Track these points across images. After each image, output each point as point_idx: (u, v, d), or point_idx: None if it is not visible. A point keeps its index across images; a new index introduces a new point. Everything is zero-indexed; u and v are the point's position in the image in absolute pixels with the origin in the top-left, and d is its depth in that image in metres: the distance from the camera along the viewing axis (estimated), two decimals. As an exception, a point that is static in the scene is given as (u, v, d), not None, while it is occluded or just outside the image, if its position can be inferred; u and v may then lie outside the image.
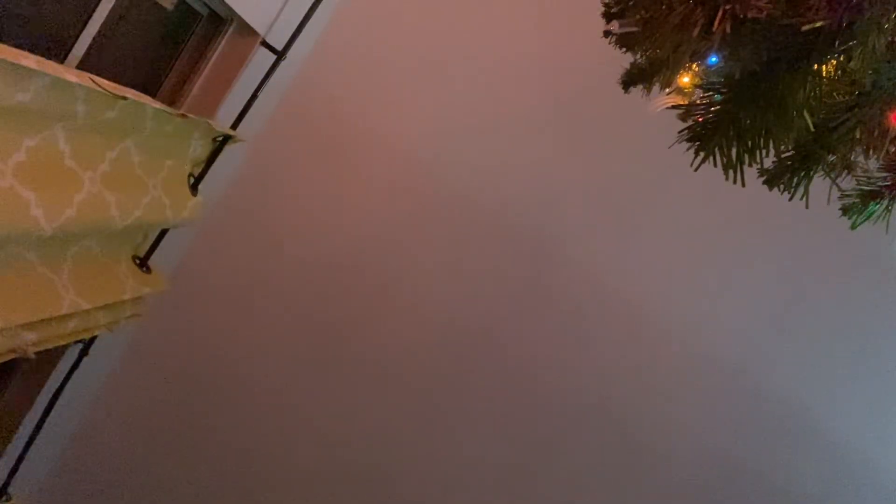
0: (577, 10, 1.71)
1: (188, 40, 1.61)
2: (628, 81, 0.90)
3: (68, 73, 0.97)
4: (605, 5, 0.87)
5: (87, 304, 1.27)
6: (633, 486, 1.71)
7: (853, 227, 0.59)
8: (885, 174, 0.58)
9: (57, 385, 1.68)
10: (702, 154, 0.57)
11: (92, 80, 1.03)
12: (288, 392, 1.86)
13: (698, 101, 0.63)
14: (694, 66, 0.85)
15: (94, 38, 1.29)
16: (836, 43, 0.50)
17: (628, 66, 0.90)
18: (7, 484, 1.74)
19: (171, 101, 1.63)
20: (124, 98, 1.09)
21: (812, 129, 0.57)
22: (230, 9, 1.46)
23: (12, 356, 1.20)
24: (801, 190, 0.62)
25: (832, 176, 0.64)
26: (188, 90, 1.63)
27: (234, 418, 1.84)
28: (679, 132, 0.60)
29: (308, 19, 1.63)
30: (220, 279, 1.89)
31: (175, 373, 1.89)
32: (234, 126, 1.62)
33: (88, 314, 1.35)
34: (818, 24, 0.49)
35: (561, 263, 1.76)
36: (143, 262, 1.57)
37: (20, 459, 1.71)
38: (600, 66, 1.12)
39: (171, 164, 1.45)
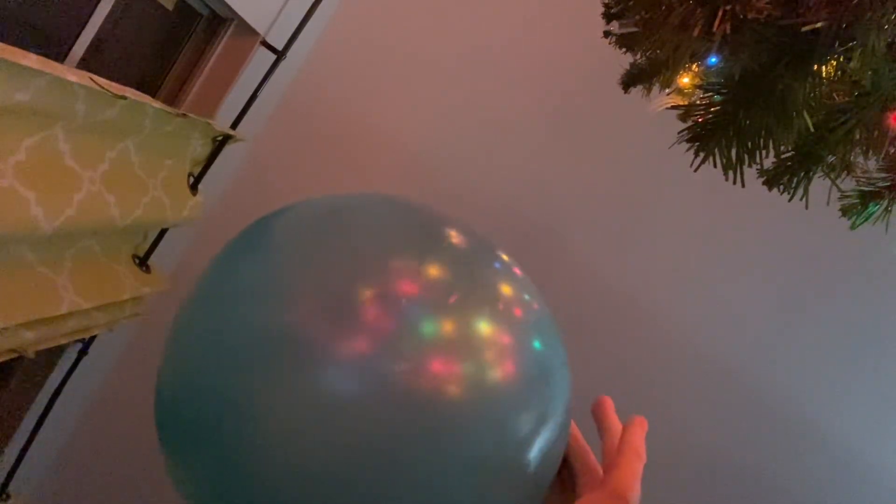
0: (577, 11, 1.71)
1: (188, 40, 1.61)
2: (628, 82, 0.90)
3: (68, 73, 0.97)
4: (605, 6, 0.87)
5: (87, 304, 1.27)
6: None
7: (853, 227, 0.59)
8: (884, 175, 0.58)
9: (56, 384, 1.68)
10: (702, 154, 0.57)
11: (92, 79, 1.03)
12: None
13: (698, 102, 0.63)
14: (694, 66, 0.85)
15: (94, 38, 1.29)
16: (836, 44, 0.50)
17: (628, 67, 0.91)
18: (6, 483, 1.74)
19: (171, 101, 1.63)
20: (124, 97, 1.09)
21: (812, 130, 0.57)
22: (230, 9, 1.46)
23: (12, 355, 1.20)
24: (800, 190, 0.63)
25: (832, 176, 0.64)
26: (188, 90, 1.63)
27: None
28: (679, 132, 0.60)
29: (308, 19, 1.63)
30: (219, 279, 1.89)
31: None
32: (234, 125, 1.62)
33: (88, 314, 1.35)
34: (818, 25, 0.49)
35: (562, 261, 1.77)
36: (142, 262, 1.57)
37: (20, 458, 1.71)
38: (600, 66, 1.12)
39: (171, 163, 1.45)
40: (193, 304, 0.52)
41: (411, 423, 0.42)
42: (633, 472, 0.49)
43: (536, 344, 0.50)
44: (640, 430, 0.53)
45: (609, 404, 0.57)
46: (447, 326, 0.45)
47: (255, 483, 0.43)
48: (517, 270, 0.55)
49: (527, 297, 0.52)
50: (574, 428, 0.56)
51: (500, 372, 0.45)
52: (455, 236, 0.53)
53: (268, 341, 0.43)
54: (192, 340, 0.50)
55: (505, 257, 0.55)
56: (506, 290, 0.51)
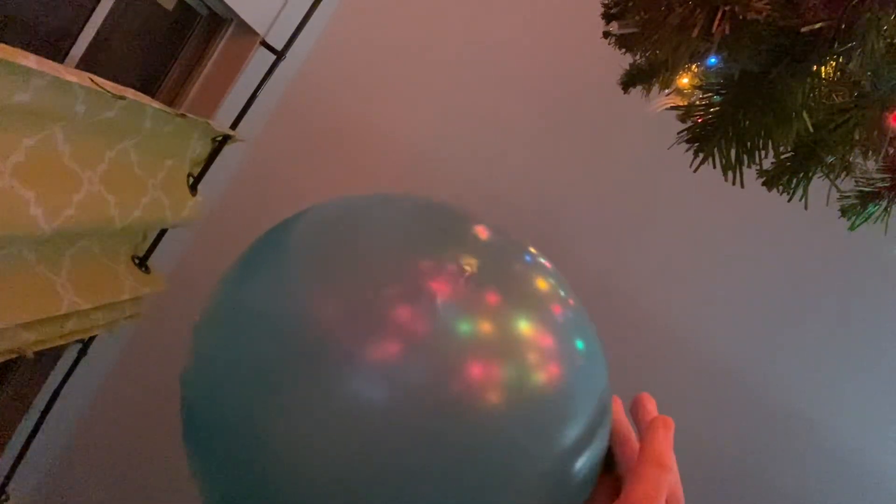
0: (577, 11, 1.71)
1: (188, 40, 1.61)
2: (628, 82, 0.90)
3: (68, 73, 0.97)
4: (605, 6, 0.87)
5: (86, 304, 1.27)
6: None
7: (852, 228, 0.59)
8: (883, 175, 0.58)
9: (55, 385, 1.68)
10: (701, 155, 0.57)
11: (91, 79, 1.03)
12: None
13: (697, 102, 0.63)
14: (693, 67, 0.85)
15: (93, 38, 1.29)
16: (836, 44, 0.50)
17: (628, 67, 0.91)
18: (5, 484, 1.74)
19: (171, 101, 1.63)
20: (123, 98, 1.09)
21: (811, 131, 0.57)
22: (230, 9, 1.46)
23: (11, 356, 1.20)
24: (799, 191, 0.63)
25: (831, 177, 0.64)
26: (188, 90, 1.63)
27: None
28: (678, 133, 0.60)
29: (308, 19, 1.63)
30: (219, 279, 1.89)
31: (174, 373, 1.89)
32: (234, 126, 1.62)
33: (87, 314, 1.35)
34: (817, 26, 0.49)
35: (562, 261, 1.76)
36: (142, 262, 1.57)
37: (18, 459, 1.71)
38: (600, 66, 1.12)
39: (170, 163, 1.45)
40: (214, 312, 0.50)
41: (445, 432, 0.38)
42: (652, 486, 0.41)
43: (579, 343, 0.46)
44: (662, 433, 0.45)
45: (647, 404, 0.50)
46: (484, 327, 0.40)
47: (279, 493, 0.40)
48: (547, 263, 0.51)
49: (562, 293, 0.49)
50: (629, 430, 0.49)
51: (544, 376, 0.41)
52: (480, 230, 0.49)
53: (291, 348, 0.41)
54: (214, 351, 0.47)
55: (533, 250, 0.51)
56: (542, 285, 0.47)
